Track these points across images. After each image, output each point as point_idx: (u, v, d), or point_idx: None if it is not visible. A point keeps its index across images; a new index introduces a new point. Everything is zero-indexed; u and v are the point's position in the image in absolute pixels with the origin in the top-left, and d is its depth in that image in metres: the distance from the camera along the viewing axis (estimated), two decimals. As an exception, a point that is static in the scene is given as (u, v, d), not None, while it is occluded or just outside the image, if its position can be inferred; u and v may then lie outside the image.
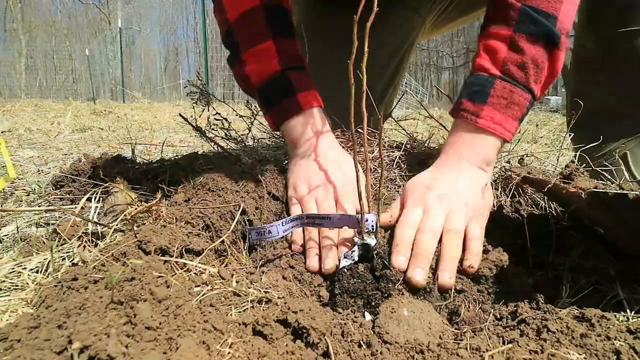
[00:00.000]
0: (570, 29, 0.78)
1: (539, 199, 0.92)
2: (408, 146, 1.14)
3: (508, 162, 1.06)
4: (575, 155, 1.05)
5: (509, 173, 0.90)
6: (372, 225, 0.67)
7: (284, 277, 0.65)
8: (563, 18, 0.77)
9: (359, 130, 0.99)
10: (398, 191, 0.95)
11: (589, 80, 1.20)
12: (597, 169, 0.93)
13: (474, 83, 0.79)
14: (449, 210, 0.70)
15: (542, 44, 0.76)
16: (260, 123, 1.32)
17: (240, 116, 1.18)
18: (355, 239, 0.66)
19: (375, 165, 0.99)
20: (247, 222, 0.76)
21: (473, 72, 0.81)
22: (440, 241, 0.67)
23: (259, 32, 0.87)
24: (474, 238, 0.68)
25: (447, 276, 0.62)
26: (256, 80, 0.88)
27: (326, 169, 0.82)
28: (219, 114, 1.07)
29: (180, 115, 1.04)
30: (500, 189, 0.94)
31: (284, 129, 0.89)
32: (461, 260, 0.65)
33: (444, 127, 1.13)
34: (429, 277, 0.61)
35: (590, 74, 1.19)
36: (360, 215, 0.65)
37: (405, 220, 0.71)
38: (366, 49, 0.57)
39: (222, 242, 0.69)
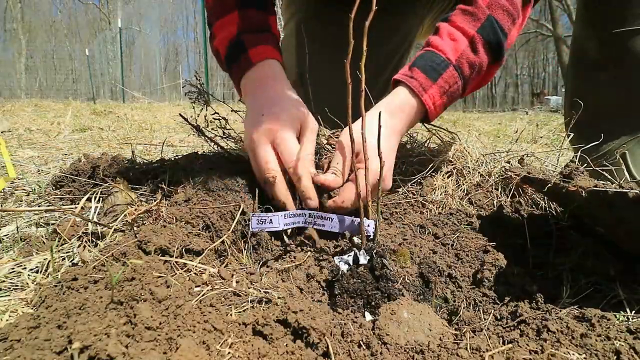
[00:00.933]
0: (508, 51, 0.86)
1: (539, 199, 0.92)
2: (408, 146, 1.14)
3: (508, 162, 1.06)
4: (575, 155, 1.05)
5: (509, 173, 0.90)
6: (372, 231, 0.67)
7: (282, 280, 0.65)
8: (510, 40, 0.84)
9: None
10: (397, 191, 0.95)
11: (588, 80, 1.20)
12: (597, 168, 0.93)
13: (431, 59, 0.82)
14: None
15: (490, 54, 0.82)
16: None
17: (236, 111, 1.18)
18: (355, 240, 0.66)
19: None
20: (247, 222, 0.76)
21: (430, 47, 0.84)
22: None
23: (228, 5, 0.90)
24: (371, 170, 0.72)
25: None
26: (222, 50, 0.91)
27: (272, 100, 0.81)
28: (217, 113, 1.07)
29: (180, 115, 1.03)
30: (500, 189, 0.94)
31: (241, 88, 0.89)
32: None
33: (445, 129, 1.13)
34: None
35: (590, 74, 1.19)
36: (359, 220, 0.65)
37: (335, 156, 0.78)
38: (365, 49, 0.57)
39: (222, 242, 0.69)
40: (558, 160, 1.15)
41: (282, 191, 0.74)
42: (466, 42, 0.82)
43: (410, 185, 0.98)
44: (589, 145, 1.09)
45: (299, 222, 0.72)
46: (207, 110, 1.05)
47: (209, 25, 0.96)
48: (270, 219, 0.70)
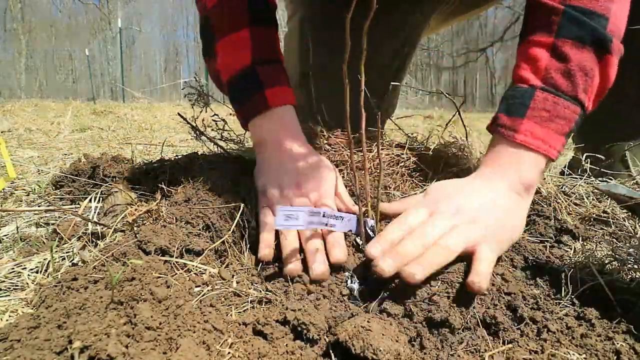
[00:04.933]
0: (623, 31, 0.69)
1: (538, 200, 0.92)
2: (407, 146, 1.14)
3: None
4: (575, 154, 1.05)
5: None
6: (371, 229, 0.67)
7: (283, 280, 0.65)
8: (615, 19, 0.67)
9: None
10: (397, 192, 0.95)
11: None
12: (597, 168, 0.93)
13: (512, 96, 0.71)
14: (455, 225, 0.61)
15: (590, 48, 0.67)
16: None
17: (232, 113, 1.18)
18: (358, 240, 0.66)
19: (373, 168, 0.99)
20: (247, 222, 0.76)
21: (512, 84, 0.73)
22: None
23: (235, 18, 0.79)
24: (480, 259, 0.58)
25: (418, 269, 0.54)
26: (227, 74, 0.81)
27: (298, 168, 0.75)
28: (217, 115, 1.08)
29: (179, 114, 1.04)
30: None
31: (251, 128, 0.82)
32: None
33: (445, 129, 1.13)
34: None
35: None
36: (358, 217, 0.65)
37: (400, 220, 0.64)
38: (364, 49, 0.57)
39: (223, 242, 0.69)
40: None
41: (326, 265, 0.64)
42: (547, 54, 0.68)
43: (410, 185, 0.98)
44: (587, 148, 1.08)
45: (317, 223, 0.67)
46: (206, 112, 1.05)
47: (208, 36, 0.84)
48: (298, 215, 0.63)
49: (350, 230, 0.70)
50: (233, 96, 0.83)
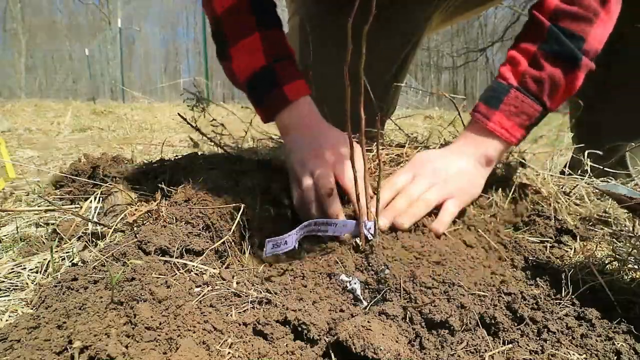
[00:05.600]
0: (599, 49, 0.82)
1: (538, 200, 0.92)
2: (407, 145, 1.14)
3: (508, 163, 1.06)
4: (578, 154, 1.05)
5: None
6: (371, 231, 0.67)
7: (284, 280, 0.65)
8: (592, 40, 0.81)
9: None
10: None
11: (595, 79, 1.19)
12: (598, 167, 0.93)
13: (493, 89, 0.85)
14: (433, 184, 0.79)
15: (562, 63, 0.81)
16: (259, 125, 1.32)
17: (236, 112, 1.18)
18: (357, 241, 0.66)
19: (373, 168, 0.99)
20: (246, 222, 0.76)
21: (496, 78, 0.87)
22: None
23: (244, 25, 0.88)
24: (445, 210, 0.77)
25: (406, 219, 0.72)
26: (243, 75, 0.90)
27: (318, 142, 0.84)
28: (215, 119, 1.08)
29: (179, 114, 1.04)
30: (500, 190, 0.94)
31: (277, 122, 0.91)
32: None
33: (445, 128, 1.13)
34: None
35: (596, 72, 1.18)
36: (358, 220, 0.65)
37: (390, 183, 0.81)
38: (363, 53, 0.57)
39: (223, 242, 0.69)
40: (552, 159, 1.14)
41: (338, 205, 0.77)
42: (526, 61, 0.83)
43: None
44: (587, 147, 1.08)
45: (306, 232, 0.71)
46: (204, 117, 1.06)
47: (220, 41, 0.92)
48: (285, 240, 0.68)
49: (341, 234, 0.70)
50: (252, 95, 0.92)
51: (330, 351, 0.48)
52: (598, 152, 1.02)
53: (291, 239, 0.68)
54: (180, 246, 0.62)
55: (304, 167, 0.83)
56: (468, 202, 0.84)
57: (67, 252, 0.68)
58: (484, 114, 0.84)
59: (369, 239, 0.67)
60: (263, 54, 0.88)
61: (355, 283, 0.62)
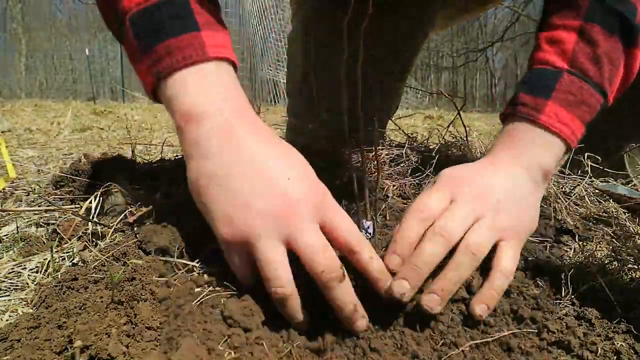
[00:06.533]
0: None
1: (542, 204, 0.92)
2: (407, 145, 1.14)
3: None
4: (577, 154, 1.05)
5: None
6: (370, 232, 0.67)
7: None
8: None
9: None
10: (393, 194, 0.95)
11: None
12: (598, 167, 0.93)
13: (535, 77, 0.65)
14: (479, 215, 0.54)
15: (618, 37, 0.62)
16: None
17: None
18: None
19: (372, 168, 0.99)
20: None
21: (533, 66, 0.66)
22: (452, 252, 0.51)
23: None
24: (501, 269, 0.52)
25: (436, 301, 0.48)
26: (128, 2, 0.51)
27: (274, 177, 0.49)
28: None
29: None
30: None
31: (170, 88, 0.51)
32: (469, 286, 0.51)
33: (446, 129, 1.13)
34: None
35: None
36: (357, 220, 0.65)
37: (418, 209, 0.54)
38: (361, 53, 0.56)
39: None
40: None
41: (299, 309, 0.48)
42: (575, 36, 0.63)
43: (409, 186, 0.98)
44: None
45: None
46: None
47: None
48: None
49: None
50: (137, 37, 0.52)
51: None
52: (598, 152, 1.02)
53: None
54: (181, 246, 0.62)
55: (253, 229, 0.47)
56: (522, 243, 0.59)
57: (67, 252, 0.68)
58: (533, 106, 0.61)
59: (369, 238, 0.67)
60: None
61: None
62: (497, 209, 0.55)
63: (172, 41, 0.51)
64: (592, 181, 1.00)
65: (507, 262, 0.53)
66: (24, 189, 1.05)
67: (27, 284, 0.61)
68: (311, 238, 0.47)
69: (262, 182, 0.48)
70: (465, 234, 0.52)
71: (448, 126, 1.15)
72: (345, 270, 0.47)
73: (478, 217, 0.54)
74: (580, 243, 0.78)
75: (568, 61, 0.62)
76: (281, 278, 0.47)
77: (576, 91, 0.61)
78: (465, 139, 1.09)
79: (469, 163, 0.63)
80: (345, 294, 0.47)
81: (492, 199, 0.55)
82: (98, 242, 0.70)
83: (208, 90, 0.51)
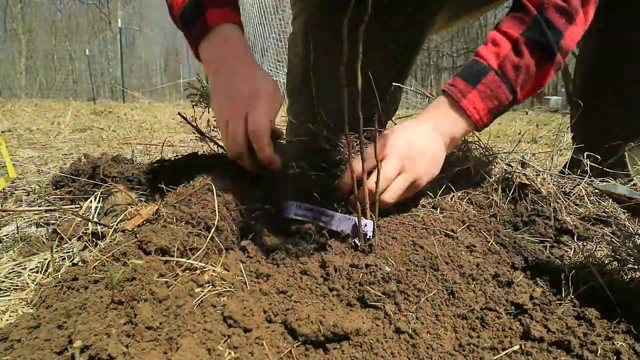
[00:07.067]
0: (571, 50, 0.83)
1: (538, 200, 0.92)
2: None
3: (509, 163, 1.06)
4: (575, 155, 1.05)
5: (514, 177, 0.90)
6: (370, 231, 0.67)
7: (284, 280, 0.65)
8: (568, 38, 0.82)
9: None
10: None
11: (598, 78, 1.19)
12: (598, 167, 0.93)
13: (472, 67, 0.85)
14: (403, 164, 0.79)
15: (539, 54, 0.81)
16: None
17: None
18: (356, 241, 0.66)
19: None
20: (247, 222, 0.76)
21: (475, 57, 0.86)
22: None
23: None
24: (396, 181, 0.78)
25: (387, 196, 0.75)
26: (177, 5, 0.87)
27: (238, 90, 0.81)
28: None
29: (180, 114, 1.04)
30: (500, 190, 0.94)
31: (200, 54, 0.86)
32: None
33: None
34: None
35: (597, 71, 1.18)
36: (357, 219, 0.65)
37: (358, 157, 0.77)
38: (360, 53, 0.56)
39: (223, 242, 0.69)
40: (552, 159, 1.14)
41: (250, 164, 0.80)
42: (509, 45, 0.82)
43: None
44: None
45: (308, 217, 0.74)
46: (208, 112, 1.05)
47: None
48: (284, 207, 0.76)
49: (343, 230, 0.70)
50: (182, 28, 0.88)
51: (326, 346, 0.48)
52: (597, 152, 1.02)
53: (290, 208, 0.76)
54: (181, 246, 0.62)
55: (221, 117, 0.82)
56: (422, 178, 0.82)
57: (67, 252, 0.68)
58: (461, 91, 0.83)
59: (368, 238, 0.67)
60: None
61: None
62: (410, 156, 0.79)
63: (191, 26, 0.85)
64: (592, 181, 1.00)
65: (388, 168, 0.77)
66: (24, 189, 1.05)
67: (27, 284, 0.61)
68: (233, 126, 0.80)
69: (232, 91, 0.81)
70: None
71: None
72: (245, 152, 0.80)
73: (390, 157, 0.78)
74: (580, 243, 0.78)
75: (498, 63, 0.83)
76: (240, 142, 0.79)
77: (495, 88, 0.82)
78: (464, 138, 1.09)
79: (405, 123, 0.87)
80: (246, 165, 0.84)
81: (410, 150, 0.80)
82: (98, 242, 0.70)
83: (213, 49, 0.85)
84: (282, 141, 0.84)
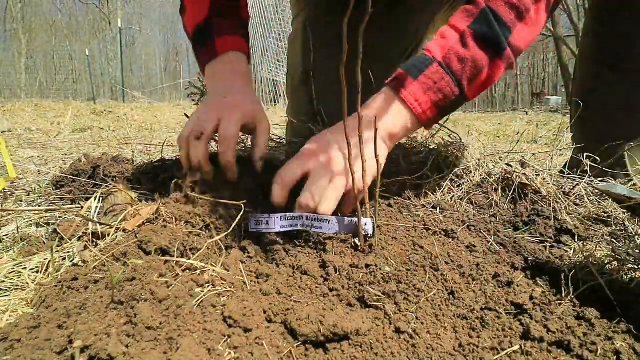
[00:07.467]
0: (521, 52, 0.81)
1: (537, 200, 0.92)
2: (407, 146, 1.14)
3: (508, 163, 1.06)
4: (575, 155, 1.05)
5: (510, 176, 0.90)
6: (370, 230, 0.67)
7: (284, 280, 0.65)
8: (517, 36, 0.79)
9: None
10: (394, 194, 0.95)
11: (598, 78, 1.19)
12: (597, 167, 0.93)
13: (416, 59, 0.81)
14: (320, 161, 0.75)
15: (487, 48, 0.78)
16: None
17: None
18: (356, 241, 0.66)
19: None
20: (248, 223, 0.76)
21: (423, 50, 0.83)
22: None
23: None
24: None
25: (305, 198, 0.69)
26: (190, 27, 0.95)
27: (219, 95, 0.87)
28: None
29: (186, 115, 1.04)
30: (500, 190, 0.94)
31: (206, 74, 0.95)
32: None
33: (448, 129, 1.13)
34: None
35: (598, 71, 1.19)
36: (357, 219, 0.65)
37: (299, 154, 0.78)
38: (360, 53, 0.56)
39: (223, 242, 0.69)
40: (552, 159, 1.14)
41: (201, 151, 0.78)
42: (456, 37, 0.79)
43: (409, 185, 0.98)
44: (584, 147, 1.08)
45: (296, 225, 0.70)
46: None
47: None
48: (267, 220, 0.70)
49: (337, 232, 0.70)
50: (194, 47, 0.97)
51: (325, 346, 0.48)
52: (597, 152, 1.02)
53: (273, 221, 0.70)
54: (181, 246, 0.62)
55: (196, 112, 0.85)
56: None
57: (67, 252, 0.68)
58: (401, 82, 0.79)
59: (368, 237, 0.67)
60: (208, 7, 0.92)
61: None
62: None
63: (202, 50, 0.95)
64: (591, 181, 1.00)
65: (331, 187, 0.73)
66: (24, 189, 1.05)
67: (28, 283, 0.61)
68: (202, 124, 0.81)
69: (218, 100, 0.86)
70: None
71: (441, 127, 1.15)
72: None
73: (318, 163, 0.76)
74: (580, 243, 0.78)
75: (443, 55, 0.78)
76: (203, 140, 0.80)
77: (438, 80, 0.78)
78: (465, 139, 1.09)
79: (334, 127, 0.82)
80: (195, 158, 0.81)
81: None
82: (98, 242, 0.70)
83: (216, 73, 0.93)
84: (260, 163, 0.84)
